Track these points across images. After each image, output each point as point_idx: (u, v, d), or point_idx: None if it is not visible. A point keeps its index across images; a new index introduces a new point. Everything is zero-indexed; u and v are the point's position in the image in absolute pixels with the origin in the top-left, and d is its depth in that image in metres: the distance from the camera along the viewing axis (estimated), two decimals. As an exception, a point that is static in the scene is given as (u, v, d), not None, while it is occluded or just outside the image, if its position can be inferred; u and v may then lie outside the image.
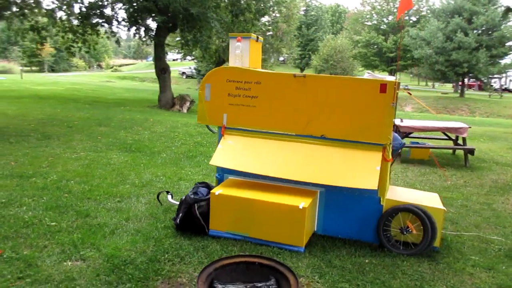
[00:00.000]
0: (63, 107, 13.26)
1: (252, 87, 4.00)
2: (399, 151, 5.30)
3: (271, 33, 27.58)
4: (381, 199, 3.79)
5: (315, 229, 4.03)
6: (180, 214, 3.83)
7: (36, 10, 14.22)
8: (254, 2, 17.64)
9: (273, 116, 3.98)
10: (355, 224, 3.89)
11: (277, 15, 27.59)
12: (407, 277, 3.27)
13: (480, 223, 4.66)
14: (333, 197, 3.94)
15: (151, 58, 72.85)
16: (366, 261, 3.52)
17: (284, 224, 3.62)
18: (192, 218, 3.79)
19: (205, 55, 23.98)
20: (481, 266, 3.54)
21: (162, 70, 16.38)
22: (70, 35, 16.39)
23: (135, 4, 15.41)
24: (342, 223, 3.96)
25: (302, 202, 3.60)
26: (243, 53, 4.19)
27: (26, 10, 13.52)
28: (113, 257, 3.31)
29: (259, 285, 2.84)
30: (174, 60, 51.76)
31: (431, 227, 3.64)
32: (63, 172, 5.82)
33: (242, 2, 16.84)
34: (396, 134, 5.05)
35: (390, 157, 3.72)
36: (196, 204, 3.80)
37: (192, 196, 3.86)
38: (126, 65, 74.14)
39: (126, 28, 16.49)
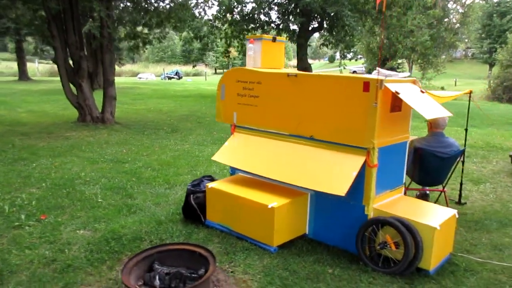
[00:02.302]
0: (213, 105, 15.00)
1: (255, 87, 4.13)
2: (459, 159, 4.59)
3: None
4: (366, 208, 3.46)
5: (306, 232, 3.92)
6: (183, 204, 4.24)
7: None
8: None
9: (271, 115, 4.03)
10: (341, 232, 3.64)
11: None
12: (352, 294, 2.98)
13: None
14: (322, 201, 3.77)
15: (327, 58, 73.84)
16: (329, 271, 3.30)
17: (258, 222, 3.67)
18: (190, 208, 4.16)
19: (368, 54, 23.46)
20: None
21: (304, 70, 16.85)
22: (236, 41, 18.27)
23: (284, 9, 16.26)
24: (330, 230, 3.76)
25: (275, 202, 3.58)
26: (255, 55, 4.33)
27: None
28: (112, 231, 3.94)
29: (183, 271, 3.06)
30: (350, 59, 51.74)
31: (414, 245, 3.18)
32: (152, 160, 6.86)
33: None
34: (452, 140, 4.44)
35: (375, 162, 3.37)
36: (192, 195, 4.15)
37: (191, 187, 4.22)
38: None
39: (275, 32, 17.52)
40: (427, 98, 3.53)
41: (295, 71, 4.01)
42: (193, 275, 3.03)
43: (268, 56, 4.36)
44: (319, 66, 64.70)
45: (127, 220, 4.25)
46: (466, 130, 5.30)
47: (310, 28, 16.89)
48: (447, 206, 4.81)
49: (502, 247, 3.86)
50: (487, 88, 29.43)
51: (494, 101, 27.31)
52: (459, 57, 43.29)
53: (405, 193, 4.74)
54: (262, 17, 16.35)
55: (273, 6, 16.48)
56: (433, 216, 3.38)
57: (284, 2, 16.12)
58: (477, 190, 5.78)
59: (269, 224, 3.58)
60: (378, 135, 3.35)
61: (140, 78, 40.84)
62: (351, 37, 15.85)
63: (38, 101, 16.44)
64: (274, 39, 4.40)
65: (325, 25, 16.33)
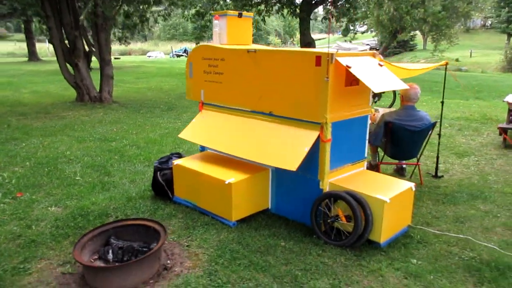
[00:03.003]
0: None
1: (219, 64, 4.13)
2: (431, 132, 4.55)
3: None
4: (321, 183, 3.49)
5: (269, 207, 3.98)
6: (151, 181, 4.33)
7: None
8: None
9: (234, 92, 4.04)
10: (299, 207, 3.69)
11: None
12: (295, 267, 3.03)
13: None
14: (282, 176, 3.81)
15: (340, 32, 72.18)
16: (282, 243, 3.36)
17: (218, 197, 3.74)
18: (157, 184, 4.24)
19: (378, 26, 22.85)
20: (410, 274, 2.96)
21: (307, 45, 16.61)
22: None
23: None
24: (289, 204, 3.81)
25: (232, 178, 3.63)
26: (221, 31, 4.30)
27: None
28: (81, 208, 4.07)
29: (135, 245, 3.16)
30: (362, 33, 50.58)
31: (365, 218, 3.20)
32: (139, 138, 6.96)
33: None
34: (424, 113, 4.41)
35: (329, 137, 3.37)
36: (159, 172, 4.23)
37: (158, 164, 4.30)
38: (319, 39, 75.89)
39: (277, 6, 17.22)
40: (384, 71, 3.49)
41: (256, 46, 3.97)
42: (144, 249, 3.12)
43: (234, 32, 4.34)
44: (333, 40, 63.40)
45: (98, 197, 4.37)
46: (442, 103, 5.21)
47: (313, 1, 16.55)
48: (421, 179, 4.80)
49: (464, 220, 3.86)
50: (502, 59, 28.56)
51: (510, 72, 26.55)
52: (476, 27, 41.71)
53: (374, 167, 4.75)
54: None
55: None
56: (386, 189, 3.38)
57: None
58: (459, 163, 5.73)
59: (227, 199, 3.64)
60: (332, 109, 3.34)
61: (149, 56, 40.87)
62: (355, 9, 15.45)
63: (43, 81, 16.65)
64: (240, 15, 4.36)
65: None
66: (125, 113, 9.57)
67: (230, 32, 4.29)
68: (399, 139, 4.57)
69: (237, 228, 3.65)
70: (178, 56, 41.06)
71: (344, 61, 3.22)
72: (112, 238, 3.29)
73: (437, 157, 5.13)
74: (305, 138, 3.42)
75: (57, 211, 4.07)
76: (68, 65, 10.57)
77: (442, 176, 5.11)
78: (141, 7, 17.34)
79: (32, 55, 30.61)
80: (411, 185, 3.53)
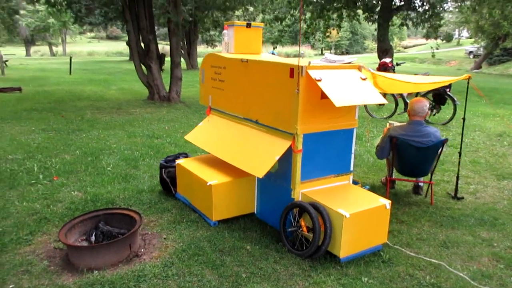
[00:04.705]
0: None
1: (222, 71, 4.40)
2: (442, 149, 4.35)
3: None
4: (292, 192, 3.58)
5: (255, 211, 4.14)
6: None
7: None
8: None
9: (232, 99, 4.28)
10: (276, 214, 3.79)
11: None
12: (246, 269, 3.17)
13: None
14: (264, 183, 3.95)
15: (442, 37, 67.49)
16: (248, 247, 3.52)
17: (203, 197, 4.01)
18: (163, 180, 4.64)
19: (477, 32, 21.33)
20: (354, 290, 2.94)
21: (384, 52, 16.08)
22: (322, 22, 18.11)
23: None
24: (269, 211, 3.93)
25: (215, 180, 3.88)
26: (229, 40, 4.57)
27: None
28: (95, 195, 4.61)
29: (114, 231, 3.56)
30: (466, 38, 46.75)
31: (324, 230, 3.24)
32: (181, 137, 7.48)
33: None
34: (433, 129, 4.29)
35: (299, 148, 3.45)
36: (164, 169, 4.61)
37: (164, 162, 4.68)
38: (420, 44, 71.62)
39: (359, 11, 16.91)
40: (364, 85, 3.46)
41: (248, 56, 4.15)
42: (119, 235, 3.51)
43: (242, 41, 4.56)
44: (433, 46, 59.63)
45: (115, 187, 4.89)
46: (463, 119, 4.88)
47: (395, 6, 15.96)
48: (431, 199, 4.60)
49: (451, 245, 3.65)
50: None
51: None
52: None
53: (388, 182, 4.64)
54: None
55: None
56: (353, 205, 3.36)
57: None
58: (494, 186, 5.29)
59: (209, 199, 3.89)
60: (304, 121, 3.42)
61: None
62: (437, 16, 14.53)
63: (132, 80, 18.28)
64: (248, 25, 4.57)
65: (413, 3, 15.26)
66: (185, 113, 10.24)
67: (237, 42, 4.52)
68: (405, 155, 4.42)
69: (216, 228, 3.88)
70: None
71: (314, 74, 3.28)
72: (101, 223, 3.73)
73: (457, 177, 4.83)
74: (278, 147, 3.54)
75: (77, 195, 4.66)
76: (142, 66, 11.59)
77: (462, 198, 4.80)
78: (229, 12, 18.35)
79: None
80: (386, 203, 3.45)
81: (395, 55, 48.23)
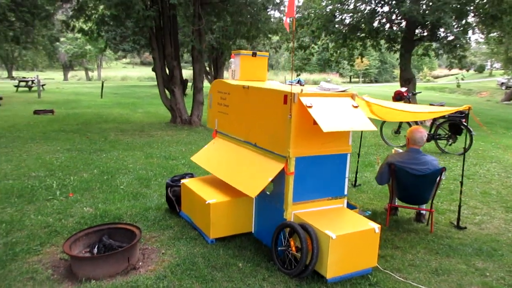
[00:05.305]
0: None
1: (227, 97, 4.65)
2: (440, 177, 4.41)
3: None
4: (284, 213, 3.71)
5: (252, 231, 4.28)
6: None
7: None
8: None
9: (234, 123, 4.50)
10: (271, 233, 3.92)
11: None
12: (234, 285, 3.30)
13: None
14: (261, 203, 4.11)
15: (474, 68, 66.39)
16: (240, 264, 3.65)
17: (203, 215, 4.19)
18: (169, 199, 4.86)
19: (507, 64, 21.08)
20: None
21: (406, 81, 16.11)
22: (345, 50, 18.38)
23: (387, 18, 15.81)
24: (264, 230, 4.07)
25: (214, 199, 4.06)
26: (235, 68, 4.83)
27: None
28: (105, 211, 4.87)
29: (115, 244, 3.77)
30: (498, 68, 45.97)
31: (311, 251, 3.35)
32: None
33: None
34: (431, 158, 4.38)
35: (292, 170, 3.60)
36: (170, 188, 4.84)
37: (170, 182, 4.91)
38: (451, 75, 70.65)
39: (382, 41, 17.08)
40: (355, 113, 3.60)
41: (250, 83, 4.38)
42: (119, 248, 3.72)
43: (248, 69, 4.81)
44: (467, 76, 58.64)
45: (124, 204, 5.15)
46: (464, 149, 4.91)
47: (417, 37, 16.05)
48: (431, 227, 4.62)
49: (443, 273, 3.67)
50: None
51: None
52: None
53: (389, 208, 4.70)
54: (363, 25, 16.10)
55: (377, 15, 16.13)
56: (342, 227, 3.47)
57: (388, 12, 15.68)
58: (502, 218, 5.23)
59: (207, 218, 4.06)
60: (296, 145, 3.59)
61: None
62: (461, 47, 14.47)
63: (158, 103, 18.85)
64: (254, 54, 4.83)
65: (437, 35, 15.33)
66: (204, 136, 10.55)
67: (243, 70, 4.78)
68: (403, 182, 4.49)
69: (213, 245, 4.04)
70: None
71: (306, 100, 3.46)
72: (104, 237, 3.95)
73: (459, 207, 4.82)
74: (271, 169, 3.71)
75: (88, 211, 4.93)
76: (166, 90, 12.08)
77: (465, 227, 4.78)
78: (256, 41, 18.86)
79: (163, 79, 34.61)
80: (375, 227, 3.53)
81: (424, 84, 47.70)
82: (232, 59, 4.83)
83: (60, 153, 7.94)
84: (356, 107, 3.67)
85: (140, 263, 3.72)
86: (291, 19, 3.57)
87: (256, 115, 4.06)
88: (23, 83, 23.54)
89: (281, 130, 3.64)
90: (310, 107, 3.42)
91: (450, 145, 8.91)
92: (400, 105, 4.24)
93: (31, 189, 5.62)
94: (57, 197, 5.36)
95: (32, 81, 23.22)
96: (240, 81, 4.71)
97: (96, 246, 3.81)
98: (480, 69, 61.26)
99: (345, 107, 3.63)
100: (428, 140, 9.00)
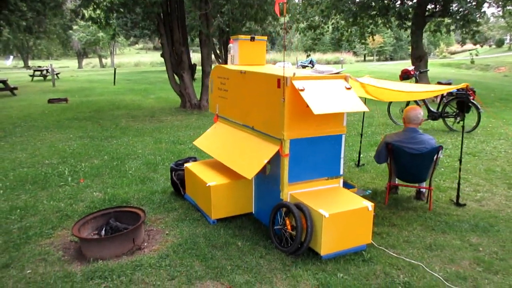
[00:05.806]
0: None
1: (226, 82, 4.76)
2: (437, 156, 4.47)
3: None
4: (281, 193, 3.84)
5: (253, 211, 4.43)
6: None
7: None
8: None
9: (234, 107, 4.62)
10: (269, 214, 4.07)
11: None
12: (232, 262, 3.47)
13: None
14: (260, 184, 4.25)
15: (493, 42, 64.54)
16: (239, 243, 3.82)
17: (205, 197, 4.36)
18: (173, 182, 5.03)
19: None
20: (324, 285, 3.16)
21: (418, 58, 15.86)
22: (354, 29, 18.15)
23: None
24: (263, 210, 4.21)
25: (214, 182, 4.22)
26: (234, 53, 4.92)
27: None
28: (113, 195, 5.08)
29: (121, 227, 3.97)
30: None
31: (306, 229, 3.48)
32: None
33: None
34: (428, 137, 4.45)
35: (286, 152, 3.72)
36: (174, 172, 5.01)
37: (174, 166, 5.08)
38: (469, 50, 68.90)
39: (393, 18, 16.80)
40: (348, 94, 3.67)
41: (249, 68, 4.46)
42: (125, 230, 3.92)
43: (246, 54, 4.89)
44: (483, 52, 57.19)
45: (132, 188, 5.35)
46: (463, 127, 4.93)
47: (428, 13, 15.72)
48: (430, 205, 4.70)
49: (436, 248, 3.77)
50: None
51: None
52: None
53: (388, 187, 4.80)
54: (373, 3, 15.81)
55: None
56: (335, 206, 3.58)
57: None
58: (504, 194, 5.26)
59: (208, 199, 4.23)
60: (290, 127, 3.69)
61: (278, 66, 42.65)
62: (473, 22, 14.11)
63: (170, 88, 19.04)
64: (252, 39, 4.90)
65: (449, 10, 15.01)
66: (212, 120, 10.67)
67: (241, 54, 4.86)
68: (400, 161, 4.56)
69: (215, 226, 4.21)
70: (304, 67, 42.01)
71: (298, 84, 3.55)
72: (111, 219, 4.16)
73: (458, 184, 4.88)
74: (267, 151, 3.83)
75: (98, 195, 5.15)
76: (175, 75, 12.22)
77: (464, 204, 4.84)
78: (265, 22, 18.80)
79: (175, 65, 34.76)
80: (368, 205, 3.64)
81: (440, 61, 46.64)
82: (230, 44, 4.91)
83: (73, 140, 8.20)
84: (349, 88, 3.74)
85: (145, 244, 3.92)
86: (281, 4, 3.62)
87: (253, 99, 4.16)
88: (38, 72, 23.98)
89: (275, 113, 3.75)
90: (302, 90, 3.51)
91: (458, 122, 8.86)
92: (394, 84, 4.28)
93: (44, 176, 5.87)
94: (68, 183, 5.59)
95: (47, 70, 23.62)
96: (239, 65, 4.80)
97: (104, 229, 4.02)
98: (499, 43, 59.52)
99: (338, 89, 3.70)
100: (435, 118, 8.97)
